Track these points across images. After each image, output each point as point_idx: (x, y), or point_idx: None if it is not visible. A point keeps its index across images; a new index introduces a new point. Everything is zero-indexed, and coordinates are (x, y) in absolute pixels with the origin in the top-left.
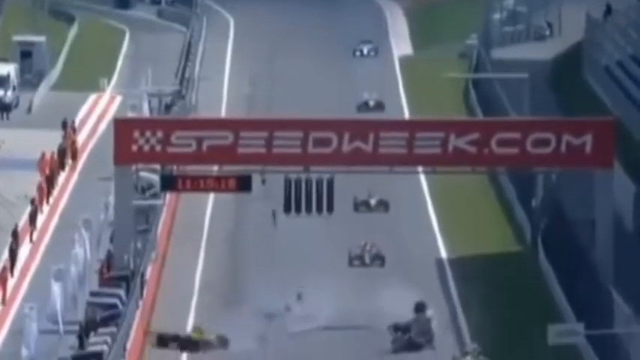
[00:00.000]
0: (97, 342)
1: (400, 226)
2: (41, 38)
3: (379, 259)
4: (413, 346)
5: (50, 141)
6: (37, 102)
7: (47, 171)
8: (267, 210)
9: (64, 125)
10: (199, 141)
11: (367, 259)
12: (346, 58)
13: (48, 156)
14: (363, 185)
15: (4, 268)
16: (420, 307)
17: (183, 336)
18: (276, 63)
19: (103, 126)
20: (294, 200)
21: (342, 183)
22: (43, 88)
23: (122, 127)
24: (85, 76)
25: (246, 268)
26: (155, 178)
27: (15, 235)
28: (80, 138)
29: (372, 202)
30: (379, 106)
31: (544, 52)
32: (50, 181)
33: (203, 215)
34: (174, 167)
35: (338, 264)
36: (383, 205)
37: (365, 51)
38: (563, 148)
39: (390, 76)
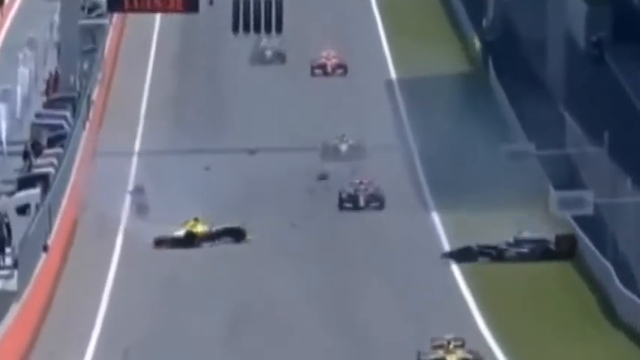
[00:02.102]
0: (43, 164)
1: (349, 43)
2: None
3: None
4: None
5: None
6: None
7: None
8: (214, 31)
9: None
10: None
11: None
12: None
13: None
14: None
15: None
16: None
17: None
18: None
19: None
20: (243, 20)
21: None
22: None
23: None
24: None
25: (192, 91)
26: None
27: None
28: None
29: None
30: None
31: None
32: None
33: (150, 36)
34: None
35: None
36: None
37: None
38: None
39: None
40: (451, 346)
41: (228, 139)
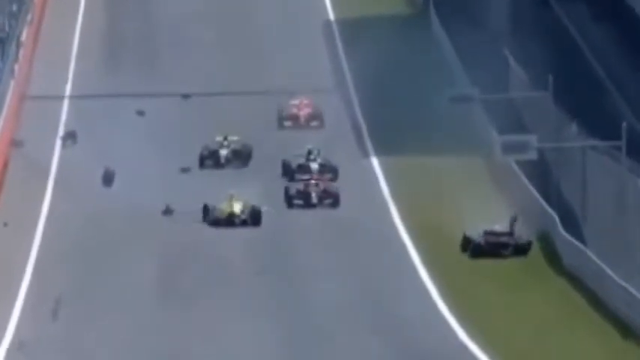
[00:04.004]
0: None
1: None
2: None
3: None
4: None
5: None
6: None
7: None
8: None
9: None
10: None
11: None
12: None
13: None
14: None
15: None
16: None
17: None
18: None
19: None
20: None
21: None
22: None
23: None
24: None
25: (125, 33)
26: None
27: None
28: None
29: None
30: None
31: None
32: None
33: None
34: None
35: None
36: None
37: None
38: None
39: None
40: None
41: (162, 83)
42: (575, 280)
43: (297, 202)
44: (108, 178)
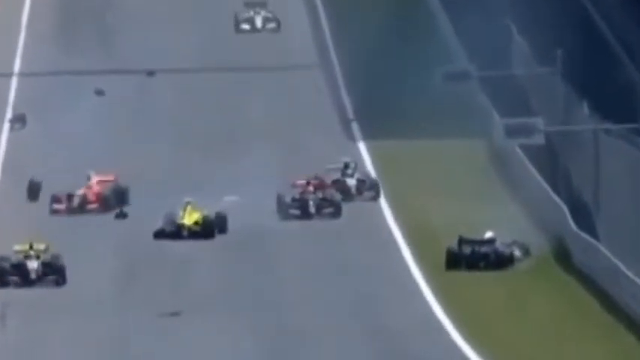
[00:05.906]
0: None
1: None
2: None
3: None
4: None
5: None
6: None
7: None
8: None
9: None
10: None
11: None
12: None
13: None
14: None
15: None
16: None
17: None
18: None
19: None
20: None
21: None
22: None
23: None
24: None
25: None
26: None
27: None
28: None
29: None
30: None
31: None
32: None
33: None
34: None
35: None
36: None
37: None
38: None
39: None
40: None
41: (123, 58)
42: (587, 279)
43: (293, 211)
44: (33, 191)
